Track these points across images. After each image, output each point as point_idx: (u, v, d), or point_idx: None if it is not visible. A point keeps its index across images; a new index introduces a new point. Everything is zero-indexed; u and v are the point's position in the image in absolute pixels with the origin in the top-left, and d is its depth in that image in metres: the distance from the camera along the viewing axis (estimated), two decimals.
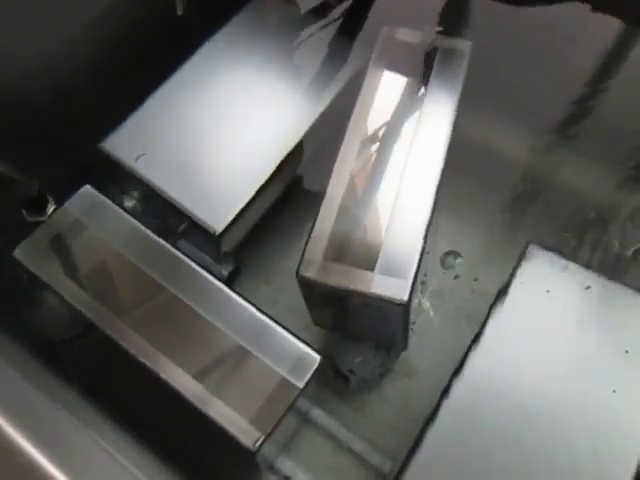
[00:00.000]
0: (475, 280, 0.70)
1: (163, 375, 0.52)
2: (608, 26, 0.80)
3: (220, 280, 0.58)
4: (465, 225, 0.73)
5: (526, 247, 0.59)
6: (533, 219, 0.73)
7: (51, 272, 0.57)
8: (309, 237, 0.52)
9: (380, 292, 0.49)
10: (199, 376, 0.52)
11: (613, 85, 0.81)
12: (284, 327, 0.55)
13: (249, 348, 0.54)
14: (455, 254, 0.71)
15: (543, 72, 0.80)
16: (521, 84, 0.79)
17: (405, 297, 0.49)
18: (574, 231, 0.70)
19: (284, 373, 0.52)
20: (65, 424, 0.45)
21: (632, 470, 0.49)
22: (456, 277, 0.70)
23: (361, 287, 0.50)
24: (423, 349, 0.66)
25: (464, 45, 0.59)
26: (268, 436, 0.50)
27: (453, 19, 0.80)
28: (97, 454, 0.44)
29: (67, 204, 0.59)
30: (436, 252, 0.71)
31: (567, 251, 0.59)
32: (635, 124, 0.77)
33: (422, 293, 0.69)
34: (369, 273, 0.50)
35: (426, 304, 0.69)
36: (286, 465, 0.61)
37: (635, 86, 0.80)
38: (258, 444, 0.49)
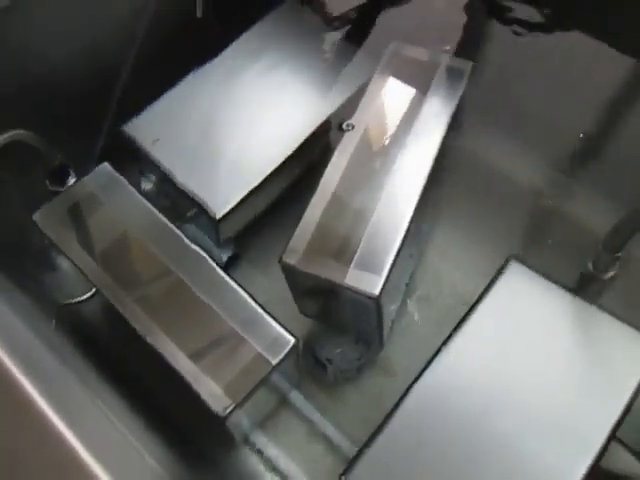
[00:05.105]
0: (463, 290, 0.73)
1: (150, 340, 0.57)
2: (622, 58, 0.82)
3: (218, 264, 0.63)
4: (460, 237, 0.76)
5: (507, 261, 0.61)
6: (525, 237, 0.75)
7: (64, 238, 0.62)
8: (296, 228, 0.56)
9: (354, 284, 0.53)
10: (184, 346, 0.57)
11: (624, 120, 0.83)
12: (267, 311, 0.59)
13: (233, 326, 0.58)
14: (446, 264, 0.75)
15: (560, 101, 0.83)
16: (534, 111, 0.82)
17: (376, 291, 0.53)
18: (560, 252, 0.72)
19: (260, 350, 0.56)
20: (71, 383, 0.49)
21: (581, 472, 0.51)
22: (444, 285, 0.73)
23: (337, 278, 0.53)
24: (404, 349, 0.69)
25: (465, 65, 0.63)
26: (238, 405, 0.54)
27: (472, 44, 0.83)
28: (93, 409, 0.48)
29: (85, 178, 0.65)
30: (428, 260, 0.75)
31: (550, 270, 0.61)
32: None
33: (409, 296, 0.72)
34: (346, 266, 0.54)
35: (411, 307, 0.72)
36: (260, 439, 0.65)
37: None
38: (228, 411, 0.53)
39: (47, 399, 0.42)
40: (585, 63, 0.84)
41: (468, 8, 0.86)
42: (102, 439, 0.44)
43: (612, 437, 0.53)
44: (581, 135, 0.79)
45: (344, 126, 0.61)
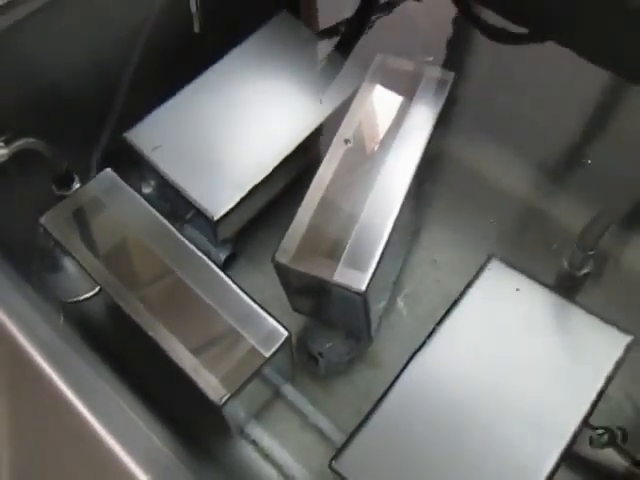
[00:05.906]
0: (449, 288, 0.76)
1: (152, 335, 0.60)
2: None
3: (216, 263, 0.66)
4: (446, 238, 0.80)
5: (488, 259, 0.65)
6: (508, 237, 0.79)
7: (70, 239, 0.66)
8: (288, 228, 0.60)
9: (342, 281, 0.57)
10: (183, 340, 0.60)
11: (604, 126, 0.87)
12: (262, 307, 0.62)
13: (229, 321, 0.61)
14: (433, 263, 0.78)
15: (542, 107, 0.87)
16: (518, 117, 0.86)
17: (363, 287, 0.56)
18: (542, 251, 0.76)
19: (254, 343, 0.60)
20: (84, 369, 0.53)
21: (550, 465, 0.55)
22: (431, 284, 0.77)
23: (326, 275, 0.57)
24: (391, 344, 0.73)
25: (447, 75, 0.67)
26: (233, 395, 0.57)
27: (455, 56, 0.87)
28: (105, 394, 0.52)
29: (89, 183, 0.68)
30: (415, 259, 0.78)
31: (530, 268, 0.64)
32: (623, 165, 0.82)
33: (398, 294, 0.76)
34: (335, 264, 0.58)
35: (400, 304, 0.75)
36: (255, 430, 0.69)
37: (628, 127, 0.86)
38: (224, 400, 0.57)
39: (67, 383, 0.46)
40: (567, 72, 0.88)
41: (451, 21, 0.90)
42: (115, 419, 0.47)
43: (585, 423, 0.57)
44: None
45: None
